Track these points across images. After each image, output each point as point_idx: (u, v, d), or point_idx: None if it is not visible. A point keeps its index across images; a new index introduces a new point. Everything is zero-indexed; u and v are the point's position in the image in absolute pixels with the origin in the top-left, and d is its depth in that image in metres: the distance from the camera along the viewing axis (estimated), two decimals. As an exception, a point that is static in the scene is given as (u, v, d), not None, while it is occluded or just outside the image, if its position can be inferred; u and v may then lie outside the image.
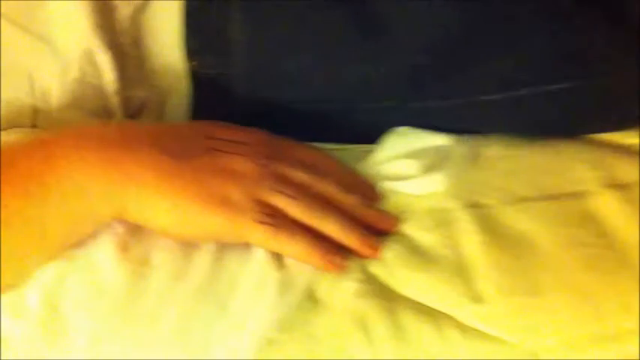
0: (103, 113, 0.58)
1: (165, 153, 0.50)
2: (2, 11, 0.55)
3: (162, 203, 0.49)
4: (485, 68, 0.52)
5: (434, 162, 0.55)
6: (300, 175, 0.52)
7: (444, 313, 0.48)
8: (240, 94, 0.56)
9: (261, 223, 0.49)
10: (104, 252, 0.49)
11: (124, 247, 0.49)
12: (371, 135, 0.57)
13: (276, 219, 0.49)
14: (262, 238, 0.49)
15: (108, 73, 0.56)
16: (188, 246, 0.50)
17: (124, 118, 0.58)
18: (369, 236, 0.51)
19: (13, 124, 0.56)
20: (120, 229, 0.50)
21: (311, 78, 0.55)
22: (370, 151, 0.57)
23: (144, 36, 0.58)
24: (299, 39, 0.54)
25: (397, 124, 0.56)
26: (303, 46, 0.54)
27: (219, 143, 0.51)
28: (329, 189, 0.52)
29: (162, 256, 0.49)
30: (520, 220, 0.51)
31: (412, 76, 0.53)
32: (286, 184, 0.51)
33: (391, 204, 0.53)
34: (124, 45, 0.57)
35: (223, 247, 0.50)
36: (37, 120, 0.57)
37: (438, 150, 0.55)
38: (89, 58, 0.56)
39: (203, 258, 0.49)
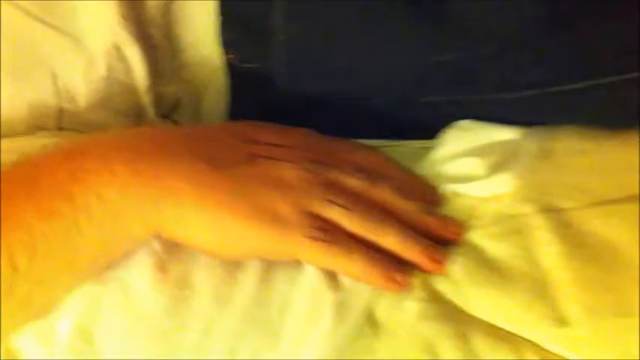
0: (134, 112, 0.53)
1: (203, 161, 0.44)
2: (22, 5, 0.49)
3: (203, 219, 0.44)
4: (566, 55, 0.46)
5: (501, 159, 0.49)
6: (354, 182, 0.46)
7: (522, 338, 0.42)
8: (283, 88, 0.51)
9: (313, 238, 0.44)
10: (140, 273, 0.44)
11: (162, 267, 0.44)
12: (429, 130, 0.51)
13: (330, 233, 0.44)
14: (315, 255, 0.44)
15: (138, 69, 0.51)
16: (232, 264, 0.45)
17: (156, 118, 0.53)
18: (433, 248, 0.46)
19: (37, 127, 0.52)
20: (157, 246, 0.45)
21: (364, 69, 0.49)
22: (429, 148, 0.51)
23: (176, 27, 0.53)
24: (352, 26, 0.48)
25: (459, 117, 0.51)
26: (357, 33, 0.48)
27: (261, 148, 0.46)
28: (386, 195, 0.47)
29: (204, 276, 0.44)
30: (604, 226, 0.45)
31: (483, 67, 0.48)
32: (339, 193, 0.45)
33: (454, 208, 0.48)
34: (155, 37, 0.52)
35: (270, 264, 0.45)
36: (62, 122, 0.53)
37: (505, 145, 0.50)
38: (117, 53, 0.51)
39: (249, 278, 0.44)
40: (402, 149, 0.51)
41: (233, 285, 0.44)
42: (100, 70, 0.51)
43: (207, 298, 0.43)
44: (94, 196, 0.43)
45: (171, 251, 0.45)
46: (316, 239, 0.44)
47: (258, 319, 0.43)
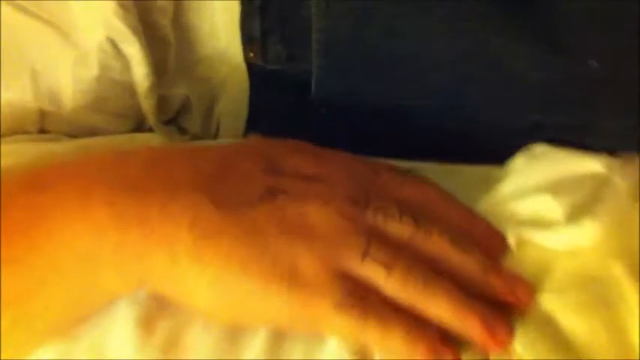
0: (134, 115, 0.45)
1: (208, 199, 0.35)
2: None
3: (203, 275, 0.34)
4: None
5: (585, 199, 0.39)
6: (399, 228, 0.36)
7: None
8: (316, 95, 0.42)
9: (344, 307, 0.34)
10: (120, 331, 0.36)
11: (147, 324, 0.35)
12: (494, 153, 0.42)
13: (364, 299, 0.35)
14: (345, 328, 0.34)
15: (137, 68, 0.42)
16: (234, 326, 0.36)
17: (159, 125, 0.44)
18: (495, 319, 0.36)
19: (17, 130, 0.44)
20: (144, 295, 0.36)
21: (424, 78, 0.40)
22: (492, 178, 0.41)
23: (187, 15, 0.44)
24: (408, 19, 0.38)
25: (536, 140, 0.41)
26: (415, 28, 0.39)
27: (284, 181, 0.37)
28: (439, 245, 0.37)
29: (199, 340, 0.35)
30: None
31: (580, 87, 0.37)
32: (380, 245, 0.36)
33: (523, 263, 0.38)
34: (161, 27, 0.43)
35: (282, 332, 0.35)
36: (46, 124, 0.44)
37: (590, 181, 0.39)
38: (112, 49, 0.42)
39: (254, 348, 0.35)
40: (458, 178, 0.42)
41: (233, 354, 0.35)
42: (92, 68, 0.42)
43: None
44: (62, 244, 0.34)
45: (162, 303, 0.36)
46: (349, 307, 0.35)
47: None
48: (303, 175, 0.37)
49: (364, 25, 0.40)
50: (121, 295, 0.35)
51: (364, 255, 0.35)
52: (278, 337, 0.35)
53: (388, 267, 0.35)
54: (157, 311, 0.36)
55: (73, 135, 0.44)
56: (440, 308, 0.35)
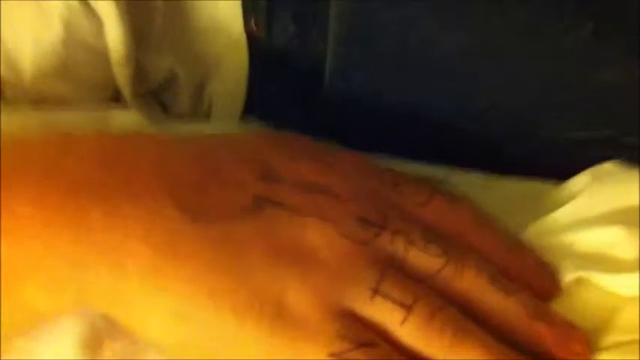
0: (107, 85, 0.37)
1: (176, 205, 0.27)
2: None
3: (158, 303, 0.26)
4: None
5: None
6: (427, 260, 0.28)
7: None
8: (328, 86, 0.34)
9: (343, 355, 0.26)
10: (60, 349, 0.29)
11: (94, 344, 0.28)
12: (551, 168, 0.33)
13: (370, 347, 0.27)
14: None
15: (112, 30, 0.34)
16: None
17: (135, 99, 0.36)
18: None
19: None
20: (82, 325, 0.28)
21: (447, 72, 0.32)
22: (540, 194, 0.34)
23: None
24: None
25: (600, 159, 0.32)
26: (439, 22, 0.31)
27: (280, 191, 0.28)
28: (475, 284, 0.29)
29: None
30: None
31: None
32: (400, 281, 0.28)
33: (580, 310, 0.30)
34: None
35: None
36: (4, 92, 0.37)
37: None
38: (83, 7, 0.34)
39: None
40: (496, 193, 0.33)
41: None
42: (55, 28, 0.34)
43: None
44: None
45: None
46: (348, 356, 0.26)
47: None
48: (305, 183, 0.28)
49: (385, 11, 0.32)
50: (51, 316, 0.27)
51: (375, 291, 0.27)
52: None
53: (406, 308, 0.27)
54: (107, 329, 0.28)
55: (37, 107, 0.37)
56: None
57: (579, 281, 0.31)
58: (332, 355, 0.26)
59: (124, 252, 0.26)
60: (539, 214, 0.33)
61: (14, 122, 0.36)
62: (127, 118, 0.37)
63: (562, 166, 0.33)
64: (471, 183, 0.34)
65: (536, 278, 0.31)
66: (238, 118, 0.39)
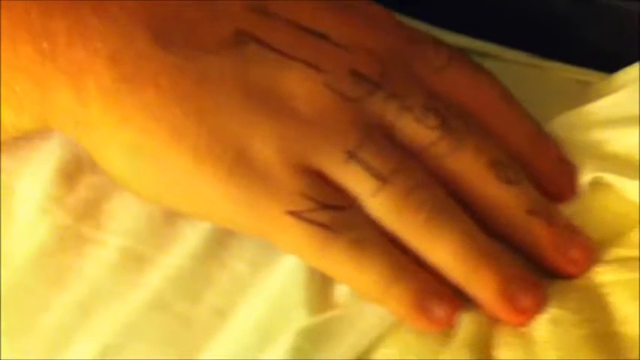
0: None
1: (148, 30, 0.25)
2: None
3: (116, 132, 0.25)
4: None
5: None
6: (421, 131, 0.26)
7: None
8: None
9: (304, 217, 0.25)
10: (34, 177, 0.28)
11: (67, 179, 0.27)
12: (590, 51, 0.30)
13: (338, 215, 0.25)
14: (302, 245, 0.25)
15: None
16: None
17: None
18: (521, 282, 0.25)
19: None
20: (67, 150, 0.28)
21: None
22: (586, 85, 0.30)
23: None
24: None
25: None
26: None
27: (269, 26, 0.26)
28: (472, 165, 0.26)
29: (127, 210, 0.27)
30: None
31: None
32: (383, 148, 0.25)
33: (593, 216, 0.27)
34: None
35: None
36: None
37: None
38: None
39: (189, 236, 0.26)
40: (535, 77, 0.30)
41: (163, 238, 0.26)
42: None
43: (119, 249, 0.26)
44: None
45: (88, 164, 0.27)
46: (310, 220, 0.25)
47: (192, 321, 0.25)
48: (302, 25, 0.26)
49: None
50: (19, 132, 0.27)
51: (350, 155, 0.25)
52: (222, 233, 0.26)
53: (381, 179, 0.25)
54: (90, 161, 0.27)
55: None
56: (443, 251, 0.25)
57: (598, 185, 0.27)
58: (289, 212, 0.25)
59: (87, 71, 0.25)
60: (575, 106, 0.29)
61: None
62: None
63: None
64: (511, 59, 0.31)
65: (552, 175, 0.27)
66: None
